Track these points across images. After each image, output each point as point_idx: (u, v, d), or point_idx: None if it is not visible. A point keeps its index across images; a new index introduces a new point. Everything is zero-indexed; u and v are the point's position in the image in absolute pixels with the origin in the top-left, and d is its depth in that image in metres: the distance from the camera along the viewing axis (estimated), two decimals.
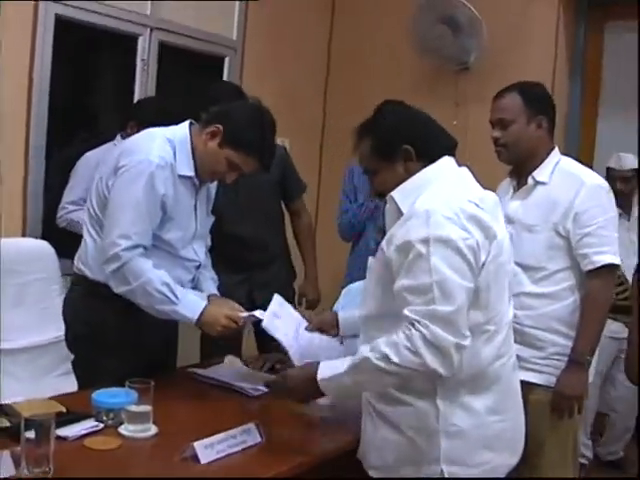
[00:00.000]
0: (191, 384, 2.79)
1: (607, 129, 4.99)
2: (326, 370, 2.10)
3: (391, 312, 2.04)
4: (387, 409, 2.13)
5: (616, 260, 2.76)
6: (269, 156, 2.70)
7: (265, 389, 2.69)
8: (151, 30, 4.23)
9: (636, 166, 4.41)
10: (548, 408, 2.81)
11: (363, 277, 3.87)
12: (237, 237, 3.58)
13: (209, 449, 2.12)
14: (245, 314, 2.70)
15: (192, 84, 4.57)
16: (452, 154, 2.19)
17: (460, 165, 2.20)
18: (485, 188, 3.06)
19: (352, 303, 3.10)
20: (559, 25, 4.82)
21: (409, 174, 2.12)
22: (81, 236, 3.76)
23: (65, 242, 3.79)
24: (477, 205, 2.03)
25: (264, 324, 2.56)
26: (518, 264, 2.79)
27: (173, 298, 2.58)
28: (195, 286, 2.86)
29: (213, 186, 2.90)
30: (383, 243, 2.09)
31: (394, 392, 2.09)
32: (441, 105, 4.92)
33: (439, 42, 4.74)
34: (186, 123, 2.73)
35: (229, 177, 2.70)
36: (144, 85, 4.23)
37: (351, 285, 3.35)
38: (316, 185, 5.33)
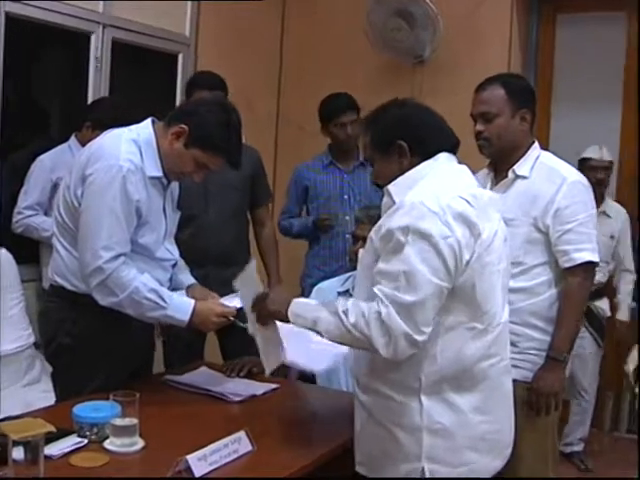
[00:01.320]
0: (169, 392, 2.72)
1: (560, 122, 5.04)
2: (303, 299, 2.23)
3: None
4: (372, 402, 2.14)
5: (595, 258, 2.77)
6: (237, 154, 2.64)
7: (245, 394, 2.65)
8: (104, 27, 4.11)
9: (609, 159, 4.49)
10: (522, 402, 2.82)
11: (323, 275, 3.92)
12: (201, 228, 3.54)
13: (202, 461, 2.06)
14: (234, 305, 2.65)
15: (146, 82, 4.48)
16: (452, 152, 2.21)
17: (460, 163, 2.22)
18: None
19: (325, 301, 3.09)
20: (513, 18, 4.85)
21: (404, 168, 2.14)
22: (38, 242, 3.70)
23: (22, 248, 3.68)
24: (468, 202, 2.04)
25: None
26: None
27: (162, 303, 2.53)
28: (172, 281, 2.81)
29: (176, 183, 2.82)
30: (372, 233, 2.11)
31: (380, 385, 2.11)
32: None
33: (394, 35, 4.72)
34: (148, 121, 2.64)
35: (197, 176, 2.65)
36: (98, 84, 4.12)
37: (321, 284, 3.33)
38: (271, 181, 5.25)
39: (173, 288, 2.79)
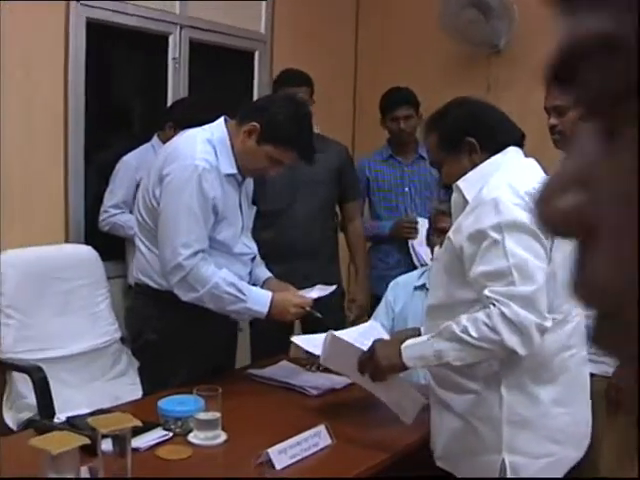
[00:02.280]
0: (250, 386, 2.79)
1: None
2: (410, 340, 2.12)
3: (460, 300, 2.07)
4: (451, 397, 2.14)
5: None
6: (309, 148, 2.69)
7: (324, 388, 2.69)
8: (181, 28, 4.19)
9: None
10: (603, 397, 2.79)
11: (385, 266, 3.93)
12: (288, 223, 3.61)
13: (283, 454, 2.11)
14: (311, 296, 2.73)
15: (223, 80, 4.55)
16: (519, 145, 2.21)
17: (527, 156, 2.21)
18: None
19: (401, 295, 3.10)
20: None
21: (474, 165, 2.15)
22: (124, 239, 3.81)
23: (108, 245, 3.80)
24: None
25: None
26: None
27: (241, 296, 2.59)
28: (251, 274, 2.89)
29: (250, 179, 2.88)
30: (450, 233, 2.11)
31: (459, 379, 2.11)
32: (473, 90, 4.84)
33: (470, 26, 4.66)
34: (221, 120, 2.70)
35: (272, 171, 2.71)
36: (177, 84, 4.20)
37: (398, 278, 3.34)
38: None
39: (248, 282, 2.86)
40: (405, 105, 4.07)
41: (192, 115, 3.37)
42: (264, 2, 4.65)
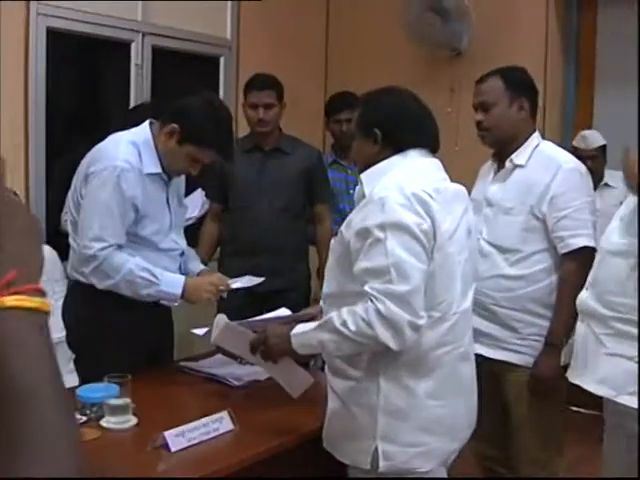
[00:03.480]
0: (178, 376, 2.90)
1: (603, 107, 4.98)
2: (299, 328, 2.23)
3: (349, 291, 2.16)
4: (335, 381, 2.24)
5: (591, 243, 2.79)
6: (228, 147, 2.83)
7: (248, 379, 2.81)
8: (143, 35, 4.34)
9: (602, 143, 4.43)
10: (526, 387, 2.88)
11: None
12: (253, 220, 3.78)
13: (180, 437, 2.22)
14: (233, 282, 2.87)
15: (188, 86, 4.67)
16: (430, 148, 2.29)
17: (435, 157, 2.31)
18: (475, 172, 3.18)
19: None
20: (549, 5, 4.83)
21: (375, 157, 2.24)
22: None
23: (68, 245, 3.94)
24: (430, 195, 2.12)
25: None
26: (495, 246, 2.89)
27: (154, 279, 2.73)
28: (182, 271, 3.00)
29: (181, 178, 3.02)
30: (342, 226, 2.22)
31: (343, 365, 2.21)
32: (437, 92, 4.98)
33: (430, 29, 4.78)
34: (146, 123, 2.86)
35: (193, 170, 2.83)
36: (139, 90, 4.34)
37: None
38: None
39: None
40: (347, 109, 4.16)
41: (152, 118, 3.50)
42: (229, 8, 4.78)
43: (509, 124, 2.92)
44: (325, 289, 2.32)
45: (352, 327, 2.06)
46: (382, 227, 2.05)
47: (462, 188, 2.34)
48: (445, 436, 2.21)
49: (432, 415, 2.16)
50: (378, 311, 2.02)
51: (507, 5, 4.87)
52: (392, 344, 2.04)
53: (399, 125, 2.25)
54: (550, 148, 2.98)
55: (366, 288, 2.05)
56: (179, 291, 2.77)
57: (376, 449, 2.14)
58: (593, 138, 4.46)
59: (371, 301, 2.04)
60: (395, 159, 2.22)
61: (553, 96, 4.93)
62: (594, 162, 4.30)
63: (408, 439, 2.15)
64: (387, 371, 2.14)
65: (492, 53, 4.78)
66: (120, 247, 2.72)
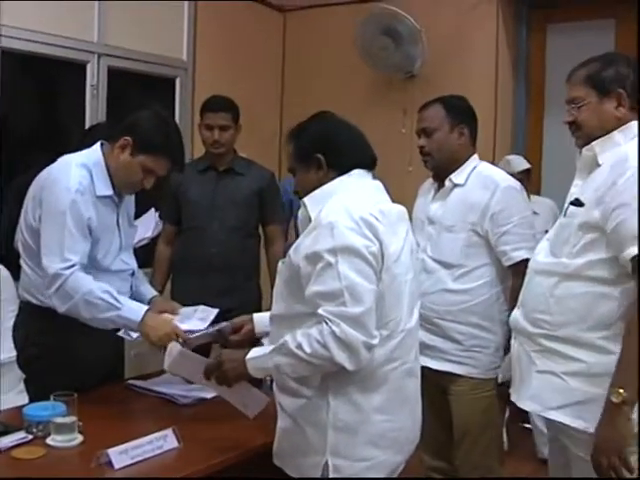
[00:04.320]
0: (126, 395, 2.91)
1: (553, 129, 5.10)
2: (254, 352, 2.27)
3: (297, 313, 2.21)
4: (286, 401, 2.27)
5: (532, 255, 2.88)
6: (179, 155, 2.86)
7: (195, 396, 2.83)
8: (99, 56, 4.38)
9: (525, 167, 4.56)
10: (470, 396, 2.99)
11: None
12: (204, 239, 3.84)
13: (123, 455, 2.24)
14: (186, 326, 2.81)
15: (144, 106, 4.71)
16: (369, 168, 2.34)
17: (375, 178, 2.35)
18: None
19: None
20: (499, 29, 4.97)
21: (321, 181, 2.27)
22: None
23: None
24: (376, 218, 2.17)
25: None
26: (438, 262, 3.00)
27: (116, 303, 2.70)
28: (133, 291, 3.02)
29: (131, 199, 3.04)
30: (291, 250, 2.24)
31: (293, 385, 2.23)
32: (391, 113, 5.09)
33: (383, 53, 4.90)
34: (97, 145, 2.88)
35: (147, 183, 2.83)
36: (94, 110, 4.38)
37: None
38: None
39: (134, 298, 2.98)
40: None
41: (104, 139, 3.53)
42: (185, 30, 4.83)
43: (450, 149, 3.04)
44: (273, 310, 2.36)
45: (307, 349, 2.10)
46: (333, 251, 2.09)
47: (404, 209, 2.39)
48: (390, 449, 2.25)
49: (379, 429, 2.21)
50: (333, 333, 2.07)
51: (459, 29, 5.00)
52: (348, 365, 2.09)
53: (340, 146, 2.29)
54: (487, 169, 3.12)
55: (320, 311, 2.10)
56: (139, 319, 2.72)
57: (326, 463, 2.19)
58: (517, 162, 4.58)
59: (326, 323, 2.08)
60: (339, 181, 2.27)
61: (503, 118, 5.05)
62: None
63: (357, 453, 2.19)
64: (336, 388, 2.18)
65: (444, 76, 4.90)
66: (82, 267, 2.71)
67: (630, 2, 4.73)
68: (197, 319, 2.89)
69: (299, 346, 2.12)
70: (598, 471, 2.17)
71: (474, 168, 3.05)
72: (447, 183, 3.05)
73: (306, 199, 2.29)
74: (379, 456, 2.22)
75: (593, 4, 4.90)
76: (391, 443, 2.25)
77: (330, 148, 2.27)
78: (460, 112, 3.07)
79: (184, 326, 2.81)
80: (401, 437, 2.30)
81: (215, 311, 2.94)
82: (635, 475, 2.15)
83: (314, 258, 2.12)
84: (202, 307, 2.96)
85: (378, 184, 2.36)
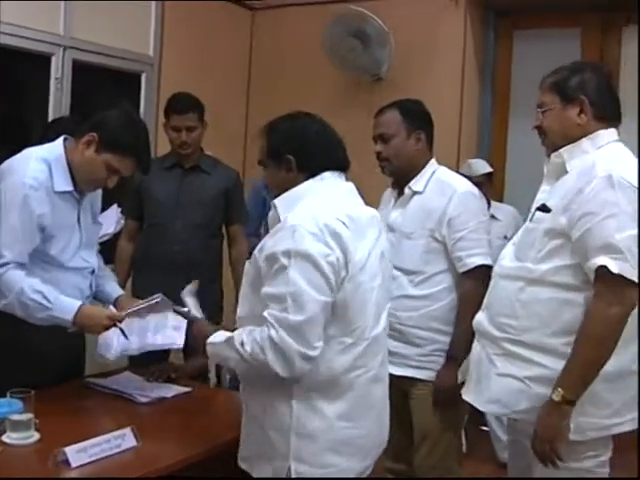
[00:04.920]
0: (85, 393, 2.88)
1: (517, 135, 5.15)
2: (215, 337, 2.28)
3: (260, 314, 2.16)
4: (252, 403, 2.28)
5: (487, 261, 2.93)
6: (146, 156, 2.82)
7: (153, 396, 2.82)
8: (64, 49, 4.33)
9: (487, 171, 4.61)
10: (430, 400, 3.00)
11: None
12: (168, 237, 3.82)
13: (81, 453, 2.22)
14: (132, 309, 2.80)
15: (109, 101, 4.66)
16: (341, 170, 2.31)
17: (348, 180, 2.33)
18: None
19: None
20: (467, 34, 5.01)
21: (291, 182, 2.25)
22: None
23: None
24: (344, 224, 2.15)
25: None
26: (399, 269, 2.99)
27: (46, 304, 2.66)
28: (98, 290, 3.00)
29: (97, 195, 3.00)
30: (256, 250, 2.23)
31: (259, 390, 2.23)
32: (358, 115, 5.07)
33: (351, 55, 4.91)
34: (60, 139, 2.83)
35: (110, 182, 2.79)
36: (58, 103, 4.33)
37: None
38: None
39: (99, 299, 3.00)
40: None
41: (70, 133, 3.49)
42: (152, 25, 4.80)
43: (407, 155, 3.05)
44: (239, 311, 2.34)
45: (247, 349, 2.12)
46: (288, 254, 2.08)
47: (376, 212, 2.39)
48: (355, 456, 2.25)
49: (342, 436, 2.20)
50: (271, 338, 2.07)
51: (426, 33, 5.02)
52: (281, 372, 2.09)
53: (311, 149, 2.25)
54: (445, 174, 3.13)
55: (265, 314, 2.10)
56: (71, 317, 2.69)
57: (289, 469, 2.18)
58: (478, 166, 4.63)
59: (267, 327, 2.08)
60: (310, 184, 2.24)
61: (469, 122, 5.09)
62: (479, 189, 4.45)
63: (319, 460, 2.19)
64: (299, 393, 2.17)
65: (411, 79, 4.93)
66: (21, 266, 2.68)
67: (596, 12, 4.81)
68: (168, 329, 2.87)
69: (242, 344, 2.13)
70: (537, 456, 2.34)
71: (432, 174, 3.07)
72: (406, 191, 3.07)
73: (277, 201, 2.27)
74: (341, 463, 2.22)
75: (559, 13, 4.97)
76: (356, 450, 2.25)
77: (301, 150, 2.24)
78: (417, 117, 3.08)
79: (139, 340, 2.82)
80: (367, 443, 2.30)
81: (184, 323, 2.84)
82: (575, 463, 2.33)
83: (272, 259, 2.12)
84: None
85: (350, 187, 2.35)
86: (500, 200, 4.98)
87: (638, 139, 4.59)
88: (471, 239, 2.95)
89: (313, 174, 2.25)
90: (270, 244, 2.16)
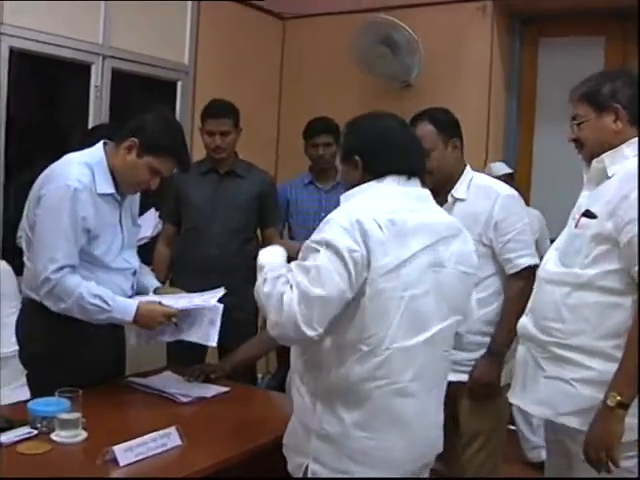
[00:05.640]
0: (128, 392, 3.00)
1: (543, 142, 5.23)
2: (273, 250, 2.43)
3: None
4: (295, 398, 2.34)
5: (535, 261, 2.98)
6: (186, 157, 2.97)
7: (193, 396, 2.93)
8: (103, 58, 4.47)
9: (506, 171, 4.69)
10: (483, 402, 3.06)
11: None
12: (205, 241, 3.94)
13: (128, 452, 2.31)
14: (182, 305, 2.95)
15: (146, 109, 4.80)
16: (411, 173, 2.31)
17: (417, 184, 2.33)
18: None
19: None
20: (493, 41, 5.08)
21: (357, 181, 2.31)
22: None
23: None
24: (379, 225, 2.14)
25: None
26: None
27: (105, 306, 2.80)
28: (137, 288, 3.11)
29: (135, 198, 3.13)
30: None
31: (299, 385, 2.30)
32: None
33: (380, 61, 4.99)
34: (100, 144, 2.96)
35: (153, 183, 2.92)
36: (98, 111, 4.46)
37: None
38: None
39: (138, 293, 3.10)
40: (324, 133, 4.39)
41: (107, 140, 3.62)
42: (187, 34, 4.92)
43: (448, 165, 3.11)
44: None
45: (266, 287, 2.20)
46: (320, 243, 2.14)
47: (441, 222, 2.34)
48: (377, 468, 2.23)
49: (360, 445, 2.21)
50: (282, 295, 2.13)
51: (454, 40, 5.10)
52: (270, 328, 2.17)
53: (378, 152, 2.29)
54: (484, 179, 3.20)
55: (289, 275, 2.17)
56: (131, 318, 2.84)
57: (307, 467, 2.25)
58: (497, 167, 4.73)
59: (287, 286, 2.15)
60: (370, 184, 2.29)
61: (495, 129, 5.16)
62: None
63: (336, 465, 2.22)
64: (323, 397, 2.23)
65: (439, 86, 5.02)
66: (74, 268, 2.79)
67: (619, 21, 4.88)
68: (202, 298, 3.06)
69: (268, 279, 2.21)
70: (590, 463, 2.32)
71: (471, 180, 3.12)
72: (449, 199, 3.10)
73: (342, 196, 2.33)
74: (359, 472, 2.21)
75: (584, 20, 5.03)
76: (376, 461, 2.22)
77: (369, 152, 2.28)
78: (449, 126, 3.13)
79: (179, 304, 2.95)
80: (390, 457, 2.25)
81: (222, 290, 3.10)
82: (618, 470, 2.30)
83: (307, 248, 2.19)
84: (207, 294, 3.10)
85: (416, 192, 2.32)
86: (526, 205, 5.05)
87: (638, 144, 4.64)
88: (519, 240, 3.01)
89: (378, 176, 2.29)
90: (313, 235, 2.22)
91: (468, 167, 3.19)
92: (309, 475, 2.24)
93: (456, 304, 2.36)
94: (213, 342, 2.98)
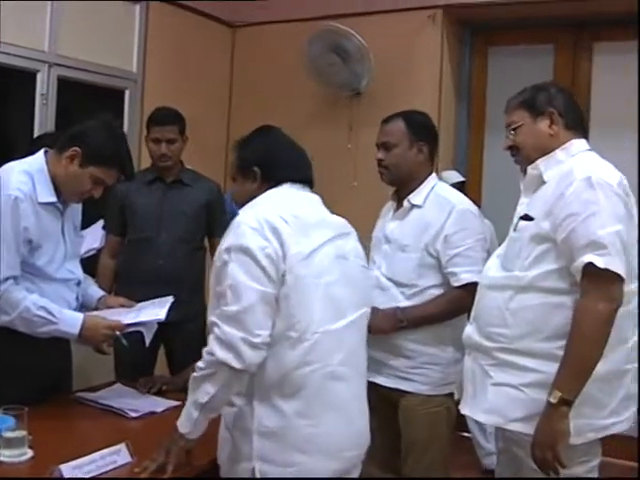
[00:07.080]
0: (75, 408, 2.93)
1: (493, 151, 5.27)
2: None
3: None
4: (224, 411, 2.33)
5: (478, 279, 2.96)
6: (129, 165, 2.91)
7: (143, 410, 2.87)
8: (50, 66, 4.38)
9: (458, 180, 4.72)
10: (418, 411, 3.06)
11: None
12: (152, 250, 3.88)
13: (77, 470, 2.25)
14: (128, 320, 2.90)
15: (93, 117, 4.72)
16: (305, 182, 2.43)
17: (312, 192, 2.44)
18: (372, 207, 3.35)
19: None
20: (443, 50, 5.11)
21: (254, 193, 2.38)
22: None
23: None
24: (285, 220, 2.24)
25: None
26: (392, 280, 3.07)
27: (52, 318, 2.74)
28: (82, 298, 3.06)
29: (77, 208, 3.06)
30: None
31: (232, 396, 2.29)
32: (337, 129, 5.19)
33: (331, 70, 4.99)
34: (41, 152, 2.89)
35: (96, 192, 2.87)
36: (44, 120, 4.37)
37: None
38: None
39: (82, 303, 3.05)
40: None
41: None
42: (136, 42, 4.86)
43: (407, 165, 3.11)
44: (208, 317, 2.38)
45: (201, 364, 2.22)
46: (229, 250, 2.20)
47: (336, 220, 2.45)
48: (320, 455, 2.26)
49: (303, 434, 2.24)
50: (216, 336, 2.17)
51: (405, 49, 5.13)
52: (233, 363, 2.15)
53: (275, 161, 2.39)
54: (445, 189, 3.19)
55: (211, 317, 2.23)
56: (77, 330, 2.78)
57: (253, 470, 2.23)
58: (449, 176, 4.73)
59: (212, 329, 2.20)
60: (270, 192, 2.37)
61: (446, 137, 5.18)
62: None
63: (283, 459, 2.23)
64: (260, 394, 2.24)
65: (390, 94, 5.02)
66: (16, 279, 2.72)
67: (568, 29, 4.94)
68: (151, 308, 3.03)
69: (196, 369, 2.23)
70: (537, 464, 2.34)
71: (432, 188, 3.12)
72: (405, 204, 3.11)
73: (241, 210, 2.37)
74: (306, 462, 2.24)
75: (533, 29, 5.09)
76: (320, 448, 2.26)
77: (267, 162, 2.38)
78: (421, 129, 3.14)
79: (127, 319, 2.91)
80: (333, 443, 2.29)
81: (170, 299, 3.08)
82: (565, 469, 2.32)
83: (219, 257, 2.24)
84: (156, 300, 3.09)
85: (310, 196, 2.44)
86: None
87: (638, 148, 4.72)
88: (467, 256, 3.00)
89: (275, 184, 2.38)
90: (221, 245, 2.28)
91: (434, 175, 3.19)
92: (257, 476, 2.23)
93: (364, 295, 2.47)
94: (161, 317, 2.98)
